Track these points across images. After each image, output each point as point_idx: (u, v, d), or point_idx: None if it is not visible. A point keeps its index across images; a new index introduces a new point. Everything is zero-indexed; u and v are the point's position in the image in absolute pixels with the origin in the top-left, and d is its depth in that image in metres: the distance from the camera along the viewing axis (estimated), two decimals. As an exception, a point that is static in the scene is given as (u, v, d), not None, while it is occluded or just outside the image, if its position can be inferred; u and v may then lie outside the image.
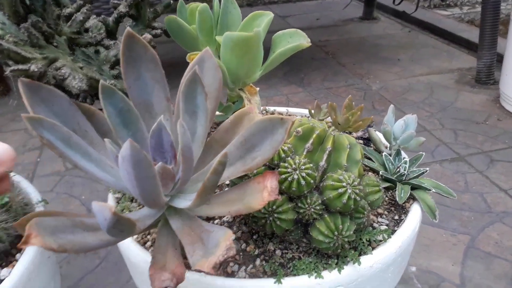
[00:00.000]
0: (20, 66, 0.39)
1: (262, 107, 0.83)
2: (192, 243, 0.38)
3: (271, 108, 0.85)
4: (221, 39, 0.65)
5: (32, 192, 0.63)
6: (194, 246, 0.37)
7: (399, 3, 2.31)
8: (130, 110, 0.40)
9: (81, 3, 0.50)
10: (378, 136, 0.70)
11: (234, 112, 0.74)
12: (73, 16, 0.48)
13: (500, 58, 1.76)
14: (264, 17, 0.69)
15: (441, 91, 1.82)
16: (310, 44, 0.67)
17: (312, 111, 0.73)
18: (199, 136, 0.41)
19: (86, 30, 0.50)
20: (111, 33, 0.61)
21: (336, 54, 2.25)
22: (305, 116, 0.81)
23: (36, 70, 0.39)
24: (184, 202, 0.40)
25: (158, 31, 0.67)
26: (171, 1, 0.66)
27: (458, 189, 1.23)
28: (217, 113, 0.73)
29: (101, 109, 0.42)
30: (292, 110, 0.84)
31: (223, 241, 0.35)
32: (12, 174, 0.59)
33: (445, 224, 1.11)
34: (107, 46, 0.54)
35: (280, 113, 0.84)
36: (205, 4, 0.65)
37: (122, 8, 0.59)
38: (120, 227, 0.32)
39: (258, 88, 0.77)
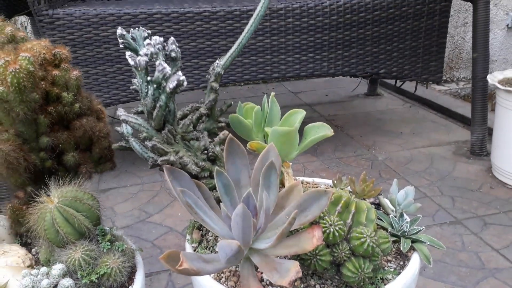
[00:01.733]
0: (165, 158, 0.63)
1: (293, 178, 1.06)
2: (270, 271, 0.59)
3: (300, 178, 1.08)
4: (269, 130, 0.90)
5: (127, 243, 0.86)
6: (272, 272, 0.59)
7: (401, 85, 2.61)
8: (229, 184, 0.63)
9: (187, 113, 0.75)
10: (386, 202, 0.93)
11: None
12: (183, 122, 0.72)
13: (491, 132, 2.02)
14: (298, 114, 0.94)
15: (440, 161, 2.06)
16: (333, 133, 0.92)
17: (335, 181, 0.97)
18: (271, 201, 0.64)
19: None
20: (194, 127, 0.86)
21: (344, 127, 2.52)
22: (328, 185, 1.04)
23: (173, 159, 0.63)
24: (263, 244, 0.62)
25: (223, 124, 0.91)
26: (231, 103, 0.91)
27: (455, 248, 1.43)
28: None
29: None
30: (317, 180, 1.07)
31: (293, 267, 0.57)
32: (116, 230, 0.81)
33: (445, 278, 1.30)
34: (197, 138, 0.78)
35: (308, 182, 1.07)
36: (258, 106, 0.91)
37: (203, 110, 0.84)
38: (237, 256, 0.54)
39: (290, 163, 1.01)
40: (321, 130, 0.93)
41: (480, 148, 2.08)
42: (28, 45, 0.79)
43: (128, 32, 0.82)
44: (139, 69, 0.62)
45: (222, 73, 0.86)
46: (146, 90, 0.63)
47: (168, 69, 0.60)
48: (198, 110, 0.87)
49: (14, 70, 0.69)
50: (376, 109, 2.80)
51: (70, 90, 0.81)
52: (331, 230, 0.68)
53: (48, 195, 0.74)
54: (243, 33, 0.88)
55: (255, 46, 1.85)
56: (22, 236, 0.86)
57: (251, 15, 1.69)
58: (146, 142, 0.68)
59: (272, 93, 0.96)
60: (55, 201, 0.73)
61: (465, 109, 2.59)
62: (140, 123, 0.66)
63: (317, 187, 1.03)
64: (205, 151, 0.78)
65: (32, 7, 1.61)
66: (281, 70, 1.91)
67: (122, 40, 0.79)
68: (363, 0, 1.84)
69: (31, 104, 0.74)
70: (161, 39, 0.64)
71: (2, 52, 0.74)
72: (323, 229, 0.69)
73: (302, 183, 1.07)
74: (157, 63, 0.60)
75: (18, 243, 0.86)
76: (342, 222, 0.70)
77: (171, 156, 0.63)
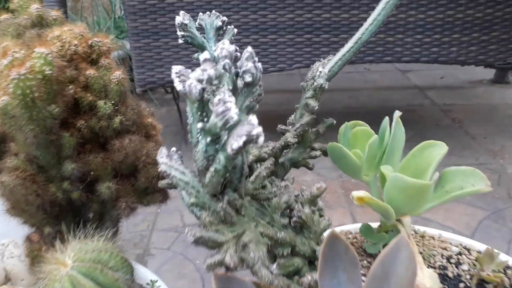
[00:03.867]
0: (217, 258, 0.36)
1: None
2: None
3: (421, 229, 0.77)
4: (387, 173, 0.60)
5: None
6: None
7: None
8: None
9: (264, 156, 0.48)
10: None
11: (385, 245, 0.69)
12: (257, 172, 0.45)
13: None
14: (436, 150, 0.63)
15: None
16: (490, 189, 0.59)
17: (481, 256, 0.65)
18: None
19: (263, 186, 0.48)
20: (276, 159, 0.59)
21: (463, 122, 2.08)
22: (459, 244, 0.72)
23: (228, 262, 0.37)
24: None
25: (318, 153, 0.63)
26: (334, 122, 0.62)
27: None
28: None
29: None
30: (446, 235, 0.75)
31: None
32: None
33: None
34: (278, 187, 0.51)
35: (431, 237, 0.76)
36: (375, 136, 0.60)
37: (290, 139, 0.56)
38: None
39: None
40: (471, 181, 0.61)
41: None
42: (56, 32, 0.56)
43: (195, 18, 0.55)
44: (190, 99, 0.35)
45: (326, 86, 0.56)
46: (197, 136, 0.36)
47: (233, 112, 0.32)
48: (284, 135, 0.59)
49: (18, 76, 0.46)
50: (506, 101, 2.29)
51: (110, 97, 0.57)
52: None
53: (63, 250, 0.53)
54: (366, 25, 0.57)
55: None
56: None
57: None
58: (193, 209, 0.42)
59: (397, 114, 0.65)
60: (69, 264, 0.51)
61: None
62: (187, 180, 0.40)
63: (445, 249, 0.71)
64: (288, 210, 0.51)
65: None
66: (395, 53, 1.55)
67: (182, 33, 0.53)
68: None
69: (47, 122, 0.51)
70: (232, 48, 0.37)
71: (14, 42, 0.52)
72: None
73: (422, 237, 0.76)
74: (216, 98, 0.33)
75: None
76: None
77: (227, 254, 0.37)
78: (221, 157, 0.35)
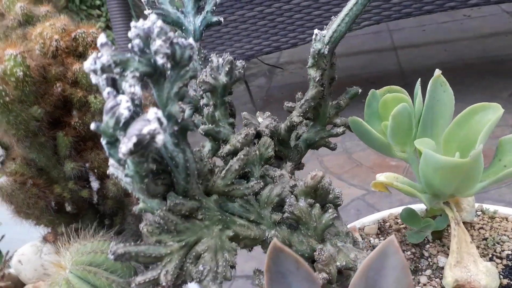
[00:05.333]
0: (149, 275, 0.31)
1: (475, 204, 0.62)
2: None
3: (491, 208, 0.63)
4: (420, 146, 0.49)
5: None
6: None
7: None
8: None
9: (237, 146, 0.41)
10: None
11: (433, 231, 0.57)
12: (228, 166, 0.39)
13: None
14: (489, 113, 0.49)
15: None
16: None
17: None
18: None
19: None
20: (283, 142, 0.51)
21: None
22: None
23: (167, 279, 0.31)
24: None
25: (340, 130, 0.54)
26: (359, 90, 0.52)
27: None
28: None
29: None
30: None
31: None
32: None
33: None
34: (272, 177, 0.44)
35: (504, 217, 0.61)
36: (403, 104, 0.49)
37: (295, 118, 0.48)
38: None
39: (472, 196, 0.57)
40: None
41: None
42: (38, 29, 0.54)
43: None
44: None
45: (327, 52, 0.46)
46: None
47: (123, 107, 0.26)
48: (290, 113, 0.51)
49: (-15, 81, 0.45)
50: None
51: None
52: None
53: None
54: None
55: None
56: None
57: None
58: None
59: (437, 72, 0.52)
60: (67, 267, 0.50)
61: None
62: (132, 183, 0.35)
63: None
64: (282, 208, 0.43)
65: None
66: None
67: (149, 11, 0.47)
68: None
69: (30, 125, 0.49)
70: (148, 24, 0.30)
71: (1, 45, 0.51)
72: None
73: (492, 218, 0.62)
74: (105, 92, 0.27)
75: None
76: None
77: (163, 270, 0.31)
78: (128, 162, 0.29)
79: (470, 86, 1.73)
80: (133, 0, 1.94)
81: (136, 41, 0.30)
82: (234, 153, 0.42)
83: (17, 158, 0.53)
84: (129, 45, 0.30)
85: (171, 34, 0.30)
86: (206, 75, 0.43)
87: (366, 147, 0.60)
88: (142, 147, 0.27)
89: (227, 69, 0.43)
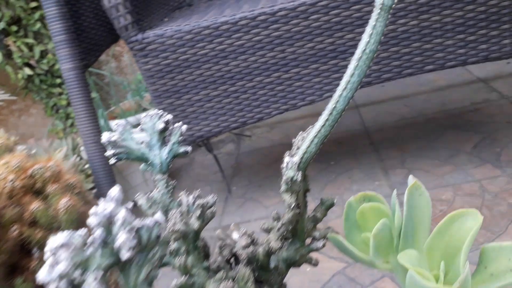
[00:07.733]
0: None
1: None
2: None
3: None
4: (404, 262, 0.47)
5: None
6: None
7: None
8: None
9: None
10: None
11: None
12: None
13: None
14: (469, 220, 0.48)
15: None
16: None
17: None
18: None
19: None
20: (262, 267, 0.48)
21: (541, 113, 1.80)
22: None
23: None
24: None
25: (320, 244, 0.51)
26: (334, 201, 0.50)
27: None
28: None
29: None
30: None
31: None
32: None
33: None
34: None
35: None
36: (383, 221, 0.47)
37: (273, 243, 0.46)
38: None
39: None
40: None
41: None
42: (-9, 169, 0.50)
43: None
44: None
45: (299, 178, 0.45)
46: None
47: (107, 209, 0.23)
48: (258, 245, 0.49)
49: None
50: None
51: (63, 228, 0.50)
52: None
53: None
54: (339, 90, 0.46)
55: (395, 33, 1.34)
56: None
57: None
58: None
59: (411, 180, 0.51)
60: None
61: None
62: None
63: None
64: None
65: (121, 34, 1.40)
66: (437, 60, 1.37)
67: (112, 151, 0.45)
68: None
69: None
70: (110, 208, 0.27)
71: None
72: None
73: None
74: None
75: None
76: None
77: None
78: None
79: (433, 141, 1.77)
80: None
81: (98, 232, 0.27)
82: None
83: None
84: (89, 239, 0.28)
85: (135, 222, 0.28)
86: (175, 222, 0.40)
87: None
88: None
89: (198, 212, 0.41)
